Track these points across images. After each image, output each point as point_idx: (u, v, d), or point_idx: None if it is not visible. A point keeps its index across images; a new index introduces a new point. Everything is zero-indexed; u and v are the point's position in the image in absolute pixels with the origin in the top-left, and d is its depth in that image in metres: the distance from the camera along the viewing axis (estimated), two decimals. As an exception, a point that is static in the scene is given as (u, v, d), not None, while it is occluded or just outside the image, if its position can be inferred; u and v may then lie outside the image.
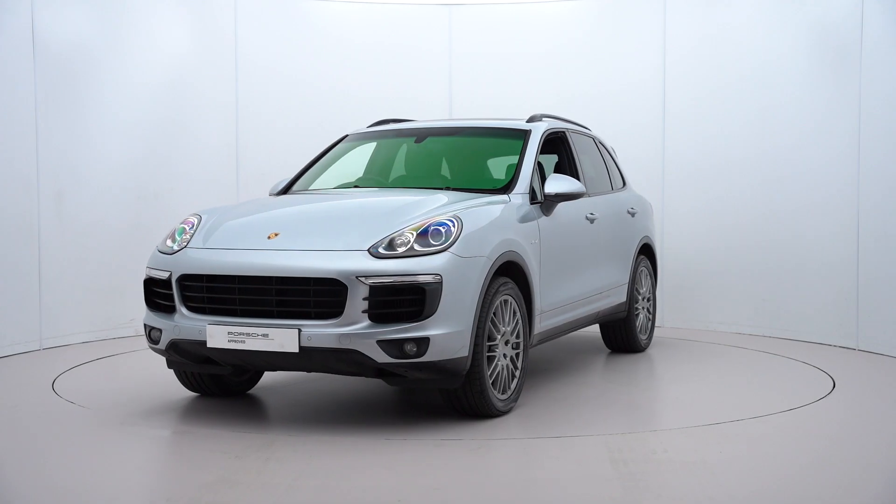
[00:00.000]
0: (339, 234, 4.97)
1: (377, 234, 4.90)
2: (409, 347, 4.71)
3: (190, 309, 5.04)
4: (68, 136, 7.73)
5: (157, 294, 5.22)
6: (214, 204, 7.18)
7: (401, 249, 4.81)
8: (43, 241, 7.55)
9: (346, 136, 6.90)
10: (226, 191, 8.67)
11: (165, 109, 8.45)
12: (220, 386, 5.74)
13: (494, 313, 5.12)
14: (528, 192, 5.77)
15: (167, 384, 5.98)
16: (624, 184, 7.62)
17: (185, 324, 5.01)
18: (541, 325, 5.71)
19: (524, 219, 5.59)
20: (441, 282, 4.75)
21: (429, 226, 4.92)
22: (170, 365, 5.43)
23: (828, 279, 7.82)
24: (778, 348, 7.65)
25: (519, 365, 5.38)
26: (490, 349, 5.10)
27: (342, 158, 6.67)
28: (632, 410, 5.61)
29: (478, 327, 4.94)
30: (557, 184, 5.84)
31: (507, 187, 5.75)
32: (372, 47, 9.31)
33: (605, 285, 6.74)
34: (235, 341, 4.82)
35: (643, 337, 7.61)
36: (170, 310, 5.13)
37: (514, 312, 5.32)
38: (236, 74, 8.86)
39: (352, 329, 4.69)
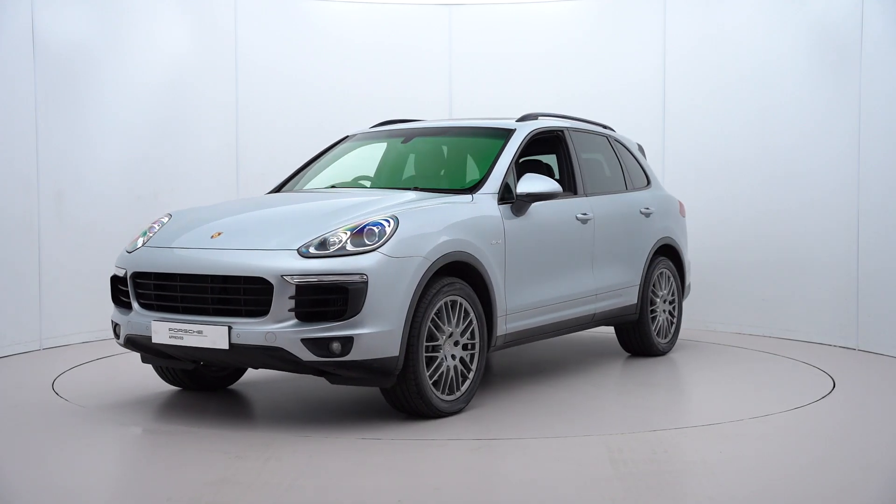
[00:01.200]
0: (274, 234, 5.05)
1: (310, 234, 4.96)
2: (335, 346, 4.74)
3: (142, 305, 5.23)
4: (68, 136, 7.73)
5: (119, 291, 5.41)
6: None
7: (332, 249, 4.85)
8: (43, 241, 7.55)
9: (347, 136, 6.90)
10: (226, 191, 8.66)
11: (165, 109, 8.45)
12: (196, 381, 5.84)
13: (437, 314, 5.10)
14: (497, 191, 5.72)
15: (166, 384, 5.98)
16: (648, 183, 7.47)
17: (137, 320, 5.20)
18: (506, 326, 5.65)
19: (485, 219, 5.53)
20: (367, 281, 4.76)
21: (364, 225, 4.95)
22: (144, 360, 5.54)
23: (828, 279, 7.82)
24: (778, 348, 7.64)
25: (472, 367, 5.35)
26: (434, 349, 5.10)
27: (341, 159, 6.68)
28: (632, 411, 5.60)
29: (412, 327, 4.94)
30: (529, 184, 5.77)
31: (474, 187, 5.73)
32: (372, 47, 9.31)
33: (604, 286, 6.64)
34: (175, 337, 4.97)
35: (662, 340, 7.32)
36: (129, 306, 5.31)
37: (467, 313, 5.30)
38: (236, 74, 8.86)
39: (277, 327, 4.76)
